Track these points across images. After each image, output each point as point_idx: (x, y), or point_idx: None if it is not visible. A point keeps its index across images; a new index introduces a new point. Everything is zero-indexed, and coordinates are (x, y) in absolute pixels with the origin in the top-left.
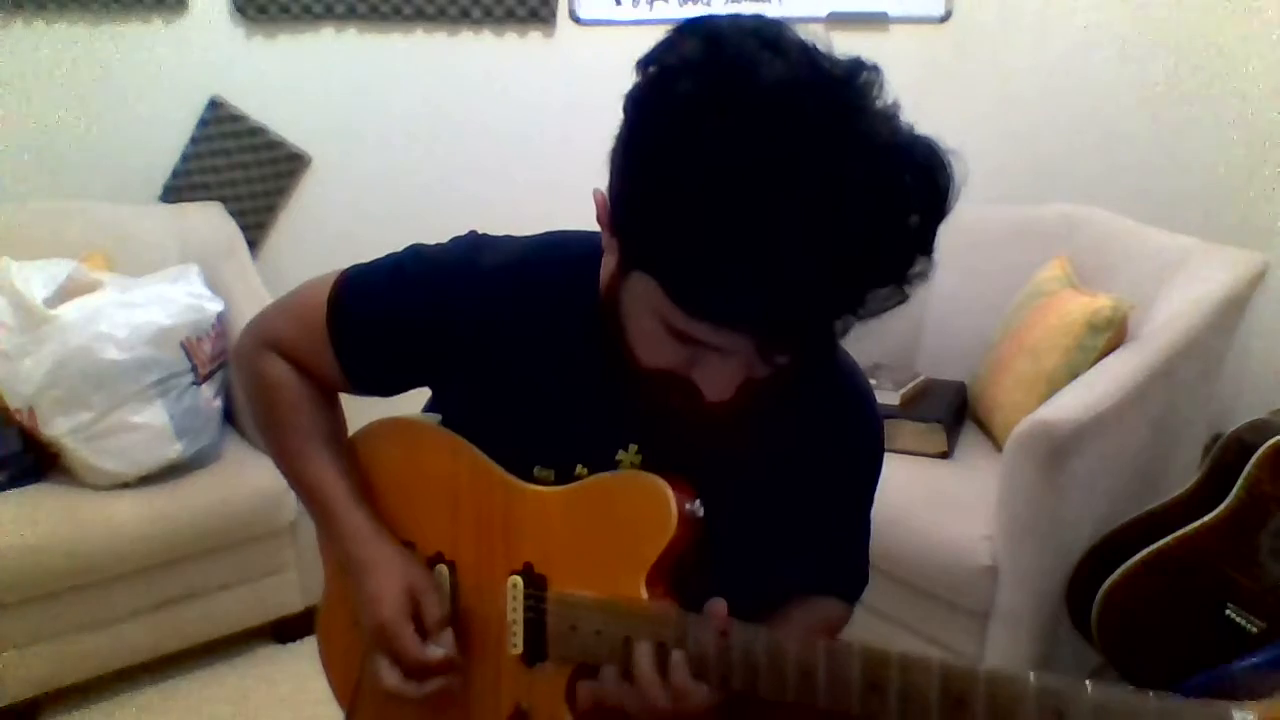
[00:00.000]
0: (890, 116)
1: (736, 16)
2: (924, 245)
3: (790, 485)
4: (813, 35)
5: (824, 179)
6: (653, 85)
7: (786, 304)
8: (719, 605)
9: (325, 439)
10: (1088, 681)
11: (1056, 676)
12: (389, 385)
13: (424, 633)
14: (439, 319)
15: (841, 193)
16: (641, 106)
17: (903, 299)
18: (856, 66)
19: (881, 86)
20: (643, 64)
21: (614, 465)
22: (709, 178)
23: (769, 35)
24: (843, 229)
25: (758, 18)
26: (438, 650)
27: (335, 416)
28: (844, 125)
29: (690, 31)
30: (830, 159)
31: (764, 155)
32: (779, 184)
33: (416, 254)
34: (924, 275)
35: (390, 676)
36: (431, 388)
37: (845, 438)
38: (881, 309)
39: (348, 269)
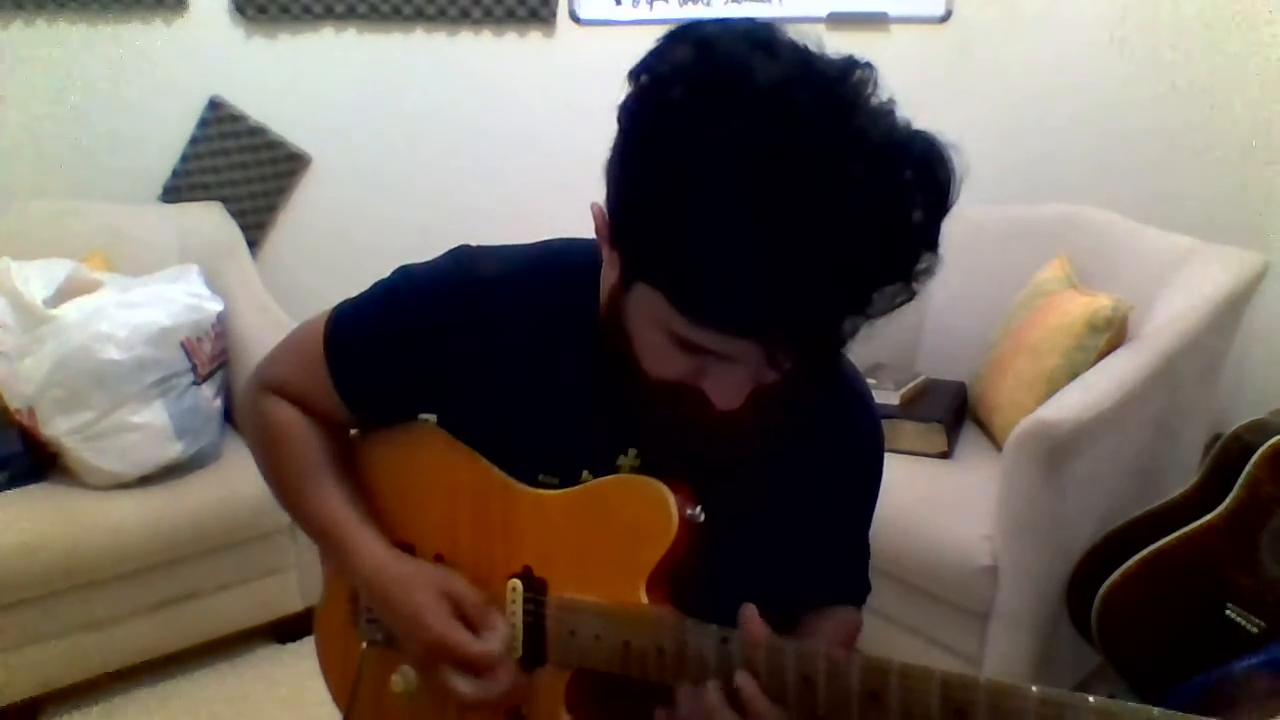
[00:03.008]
0: (887, 113)
1: (726, 21)
2: (929, 241)
3: (790, 490)
4: (804, 36)
5: (823, 178)
6: (646, 94)
7: (792, 307)
8: (750, 611)
9: (331, 472)
10: (1090, 696)
11: (1059, 690)
12: (392, 412)
13: (475, 627)
14: (436, 338)
15: (842, 191)
16: (635, 115)
17: (910, 296)
18: (850, 65)
19: (876, 84)
20: (634, 74)
21: (614, 471)
22: (707, 183)
23: (760, 37)
24: (845, 227)
25: (748, 21)
26: (496, 640)
27: (341, 452)
28: (840, 122)
29: (680, 38)
30: (828, 157)
31: (761, 157)
32: (778, 185)
33: (408, 275)
34: (930, 271)
35: (467, 686)
36: (435, 409)
37: (846, 444)
38: (889, 307)
39: (339, 304)
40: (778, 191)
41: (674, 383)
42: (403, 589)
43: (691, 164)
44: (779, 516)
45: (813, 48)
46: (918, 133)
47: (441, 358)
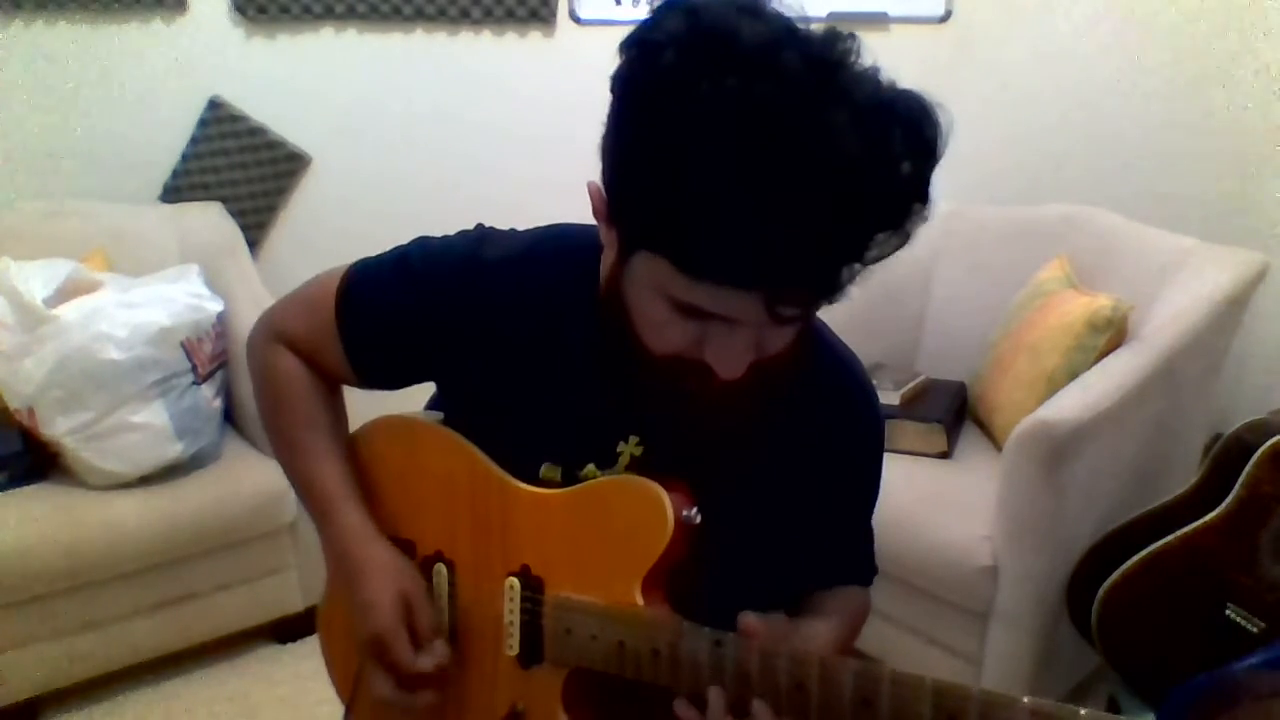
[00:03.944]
0: (872, 75)
1: None
2: (919, 192)
3: (793, 473)
4: (789, 8)
5: (811, 130)
6: (637, 62)
7: (789, 255)
8: (748, 618)
9: (327, 433)
10: (1082, 709)
11: (1051, 702)
12: (395, 379)
13: (418, 640)
14: (442, 315)
15: (831, 142)
16: (628, 83)
17: (903, 242)
18: (833, 32)
19: (859, 53)
20: (625, 45)
21: (614, 457)
22: (699, 141)
23: (746, 4)
24: (836, 179)
25: None
26: (429, 660)
27: (338, 413)
28: (827, 78)
29: (669, 8)
30: (816, 110)
31: (751, 112)
32: (768, 140)
33: (422, 247)
34: (923, 218)
35: (383, 687)
36: (437, 383)
37: (847, 424)
38: (883, 254)
39: (356, 262)
40: (768, 145)
41: (676, 359)
42: (367, 573)
43: (684, 123)
44: (782, 500)
45: (797, 19)
46: (904, 90)
47: (443, 334)
